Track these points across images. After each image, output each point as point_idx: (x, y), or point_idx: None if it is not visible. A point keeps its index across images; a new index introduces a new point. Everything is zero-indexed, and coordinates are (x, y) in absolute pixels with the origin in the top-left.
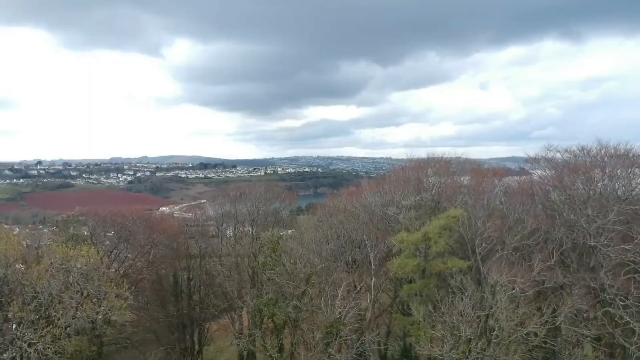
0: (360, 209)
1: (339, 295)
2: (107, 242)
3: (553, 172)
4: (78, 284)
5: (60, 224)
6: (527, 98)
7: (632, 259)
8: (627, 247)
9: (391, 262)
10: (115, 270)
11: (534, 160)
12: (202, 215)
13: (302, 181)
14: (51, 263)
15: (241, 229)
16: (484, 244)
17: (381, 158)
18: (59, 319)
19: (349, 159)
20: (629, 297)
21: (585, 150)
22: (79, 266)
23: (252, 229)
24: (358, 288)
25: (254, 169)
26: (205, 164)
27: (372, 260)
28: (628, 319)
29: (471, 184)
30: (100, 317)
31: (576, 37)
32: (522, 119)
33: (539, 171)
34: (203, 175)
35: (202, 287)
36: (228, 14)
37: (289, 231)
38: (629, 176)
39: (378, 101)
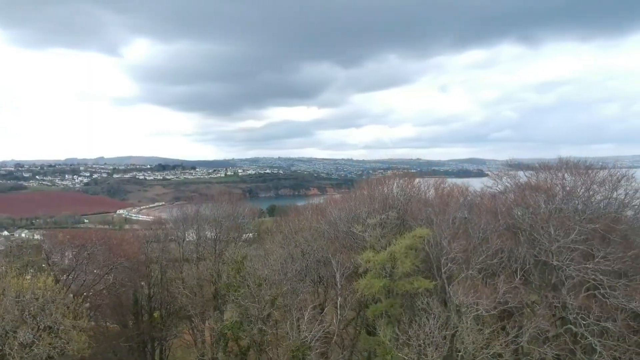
0: (326, 225)
1: (305, 318)
2: (65, 267)
3: (515, 188)
4: (34, 318)
5: (15, 249)
6: (485, 101)
7: (593, 277)
8: (587, 265)
9: (358, 282)
10: (74, 297)
11: (497, 177)
12: (163, 230)
13: (263, 183)
14: (3, 293)
15: (203, 245)
16: (449, 264)
17: (342, 159)
18: (13, 357)
19: (310, 160)
20: (590, 316)
21: (546, 167)
22: (35, 298)
23: (216, 246)
24: (325, 310)
25: (214, 170)
26: (164, 165)
27: (338, 279)
28: (589, 337)
29: (436, 201)
30: (57, 351)
31: (533, 41)
32: (481, 121)
33: (500, 186)
34: (161, 177)
35: (163, 305)
36: (189, 14)
37: (250, 234)
38: (588, 193)
39: (339, 102)
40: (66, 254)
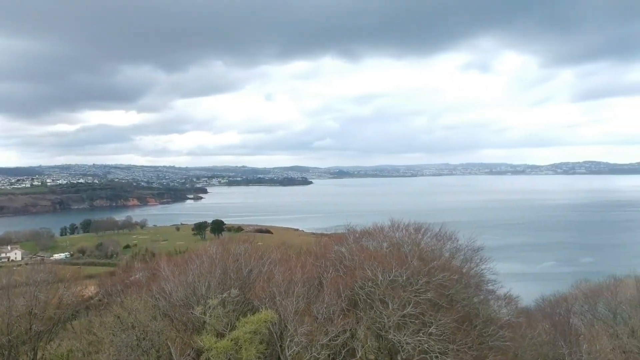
0: (162, 299)
1: None
2: None
3: (353, 254)
4: None
5: None
6: (309, 110)
7: (426, 346)
8: (421, 336)
9: None
10: None
11: (340, 242)
12: None
13: (76, 193)
14: None
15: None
16: (294, 347)
17: (164, 166)
18: None
19: (129, 167)
20: None
21: (379, 229)
22: None
23: (31, 325)
24: None
25: (17, 179)
26: None
27: None
28: None
29: (280, 277)
30: None
31: (353, 56)
32: (305, 129)
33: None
34: None
35: None
36: None
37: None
38: (417, 259)
39: (161, 107)
40: None
